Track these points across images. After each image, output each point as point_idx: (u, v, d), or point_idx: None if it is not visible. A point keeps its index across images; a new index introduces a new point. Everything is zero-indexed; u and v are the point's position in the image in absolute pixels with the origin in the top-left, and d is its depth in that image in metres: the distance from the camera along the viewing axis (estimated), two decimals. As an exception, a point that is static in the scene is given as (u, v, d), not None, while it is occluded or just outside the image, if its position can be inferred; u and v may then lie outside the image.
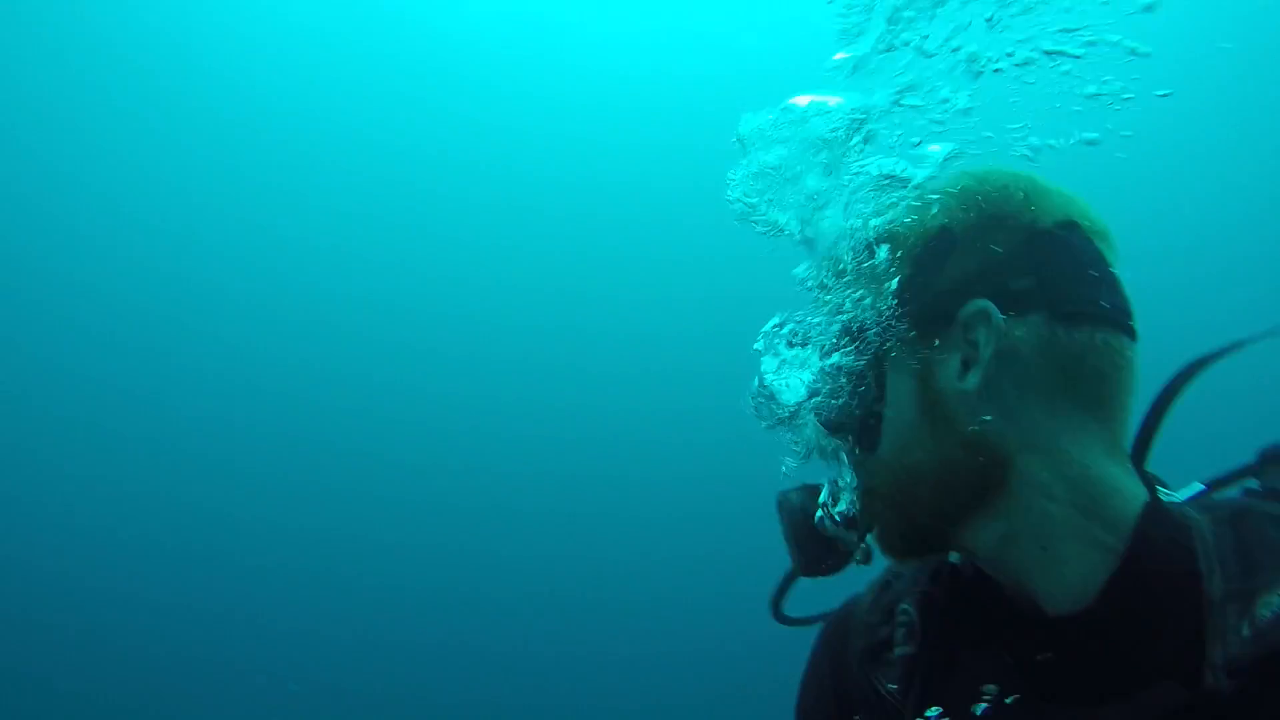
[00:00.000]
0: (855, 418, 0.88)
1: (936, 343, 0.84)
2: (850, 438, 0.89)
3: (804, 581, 1.01)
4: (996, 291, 0.82)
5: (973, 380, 0.81)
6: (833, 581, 0.97)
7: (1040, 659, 0.80)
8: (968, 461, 0.82)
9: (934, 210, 0.88)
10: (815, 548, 0.93)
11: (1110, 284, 0.84)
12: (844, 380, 0.89)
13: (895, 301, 0.87)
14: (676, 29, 14.89)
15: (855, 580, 1.01)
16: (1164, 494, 0.84)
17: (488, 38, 16.00)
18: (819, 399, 0.91)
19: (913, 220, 0.88)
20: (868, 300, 0.90)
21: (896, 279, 0.87)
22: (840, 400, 0.89)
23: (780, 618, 1.06)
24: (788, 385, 0.92)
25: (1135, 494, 0.80)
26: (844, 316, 0.90)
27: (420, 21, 16.07)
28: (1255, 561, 0.73)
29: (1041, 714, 0.79)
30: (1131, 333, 0.84)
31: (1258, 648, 0.69)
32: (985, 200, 0.86)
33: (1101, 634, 0.77)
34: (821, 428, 0.92)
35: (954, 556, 0.92)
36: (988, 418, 0.81)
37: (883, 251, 0.89)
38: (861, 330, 0.88)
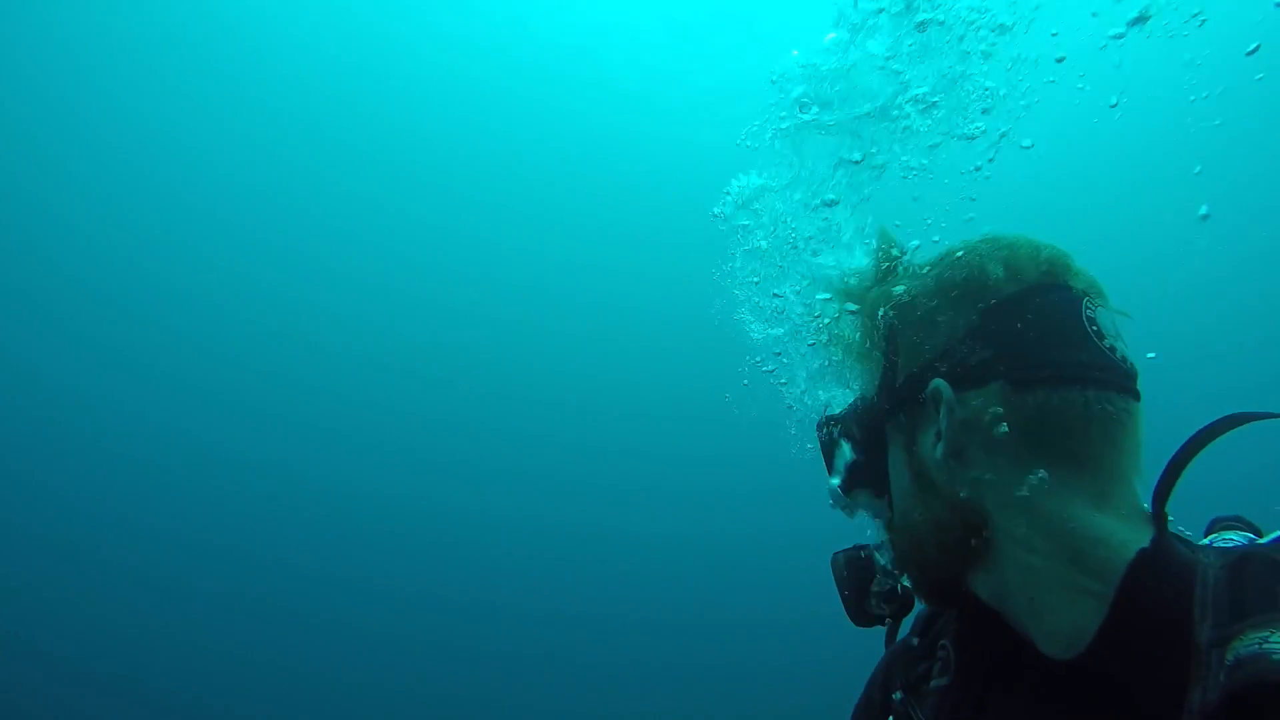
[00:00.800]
0: (874, 488, 1.01)
1: (915, 418, 0.93)
2: (875, 506, 1.02)
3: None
4: (956, 366, 0.89)
5: (940, 450, 0.88)
6: None
7: (1055, 698, 0.83)
8: (955, 521, 0.88)
9: (902, 295, 0.97)
10: (861, 603, 1.04)
11: (1082, 342, 0.87)
12: (861, 456, 1.01)
13: (879, 383, 0.98)
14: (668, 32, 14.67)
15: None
16: (1188, 540, 0.86)
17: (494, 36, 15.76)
18: (843, 477, 1.04)
19: (888, 307, 0.98)
20: (864, 384, 1.03)
21: (878, 362, 0.99)
22: (859, 474, 1.02)
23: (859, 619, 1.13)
24: (834, 472, 1.07)
25: (1127, 542, 0.81)
26: (853, 401, 1.05)
27: (422, 21, 15.95)
28: (1244, 605, 0.73)
29: None
30: (1112, 385, 0.86)
31: (1224, 690, 0.69)
32: (951, 280, 0.94)
33: (1095, 680, 0.79)
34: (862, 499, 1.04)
35: None
36: (964, 482, 0.88)
37: (858, 337, 1.03)
38: (866, 411, 1.00)
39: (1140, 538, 0.81)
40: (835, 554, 1.06)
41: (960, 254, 0.95)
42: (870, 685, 1.17)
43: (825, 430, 1.07)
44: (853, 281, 1.07)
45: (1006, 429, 0.85)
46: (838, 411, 1.07)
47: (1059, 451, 0.85)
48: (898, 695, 1.05)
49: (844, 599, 1.05)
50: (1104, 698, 0.79)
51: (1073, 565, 0.81)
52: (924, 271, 0.98)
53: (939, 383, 0.89)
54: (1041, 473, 0.84)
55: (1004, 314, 0.89)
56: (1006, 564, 0.86)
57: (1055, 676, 0.83)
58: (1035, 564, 0.83)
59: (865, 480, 1.02)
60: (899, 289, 0.98)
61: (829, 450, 1.06)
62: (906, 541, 0.95)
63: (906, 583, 1.03)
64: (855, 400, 1.04)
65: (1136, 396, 0.88)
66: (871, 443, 1.00)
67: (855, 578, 1.04)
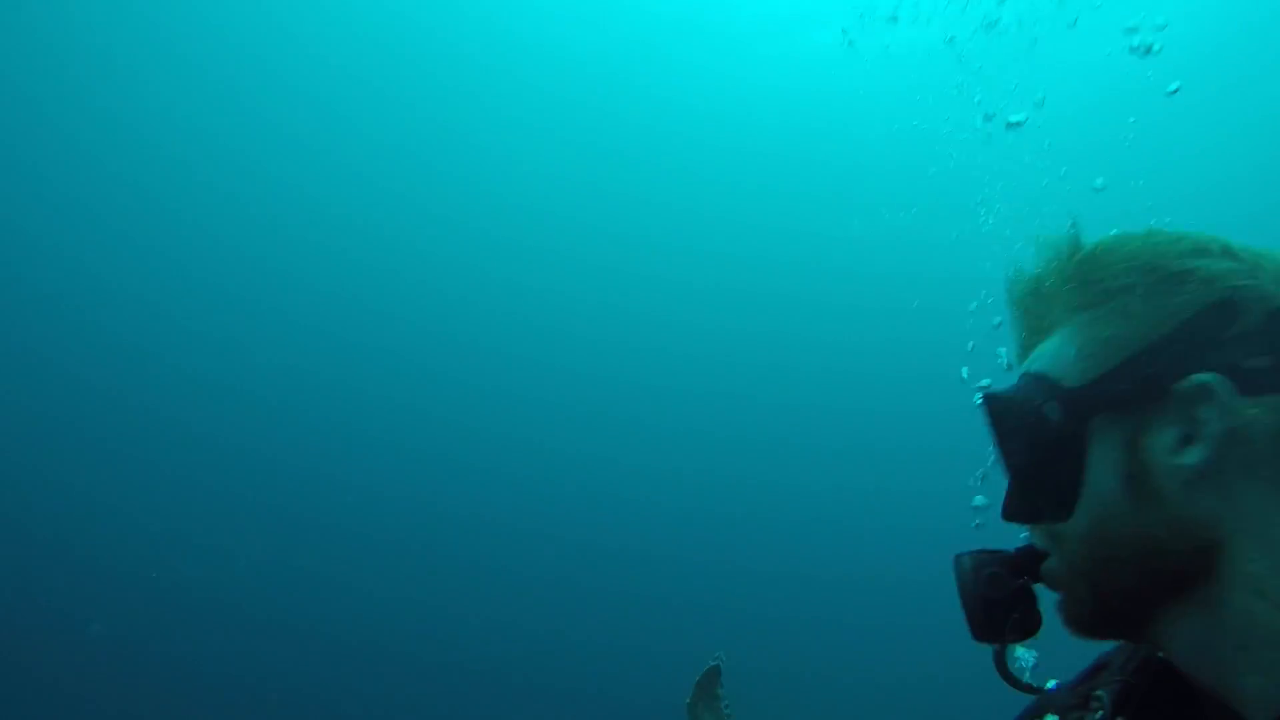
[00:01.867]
0: (1052, 482, 0.85)
1: (1148, 411, 0.79)
2: (1044, 503, 0.87)
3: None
4: (1228, 368, 0.77)
5: (1194, 456, 0.76)
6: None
7: None
8: (1172, 542, 0.77)
9: (1172, 272, 0.83)
10: (985, 615, 0.90)
11: None
12: (1042, 447, 0.85)
13: (1103, 363, 0.82)
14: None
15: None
16: None
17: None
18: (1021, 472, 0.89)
19: (1149, 278, 0.83)
20: (1062, 361, 0.86)
21: (1117, 334, 0.83)
22: (1037, 468, 0.86)
23: (1008, 679, 0.99)
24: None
25: None
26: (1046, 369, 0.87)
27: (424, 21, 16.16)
28: None
29: None
30: None
31: None
32: (1229, 275, 0.81)
33: None
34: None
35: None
36: (1205, 500, 0.76)
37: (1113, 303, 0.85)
38: (1073, 391, 0.83)
39: None
40: (959, 556, 0.93)
41: (1239, 251, 0.83)
42: None
43: (1002, 410, 0.88)
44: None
45: (1277, 448, 0.75)
46: (1010, 387, 0.90)
47: None
48: None
49: (969, 610, 0.91)
50: None
51: None
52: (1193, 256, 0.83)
53: (1212, 378, 0.76)
54: None
55: None
56: (1219, 604, 0.75)
57: None
58: (1259, 612, 0.73)
59: (1043, 478, 0.85)
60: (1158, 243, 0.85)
61: (1007, 436, 0.88)
62: (1089, 557, 0.82)
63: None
64: (1034, 379, 0.87)
65: None
66: (1068, 432, 0.83)
67: (989, 587, 0.90)
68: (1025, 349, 0.92)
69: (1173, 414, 0.77)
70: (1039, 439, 0.85)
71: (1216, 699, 0.77)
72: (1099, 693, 0.89)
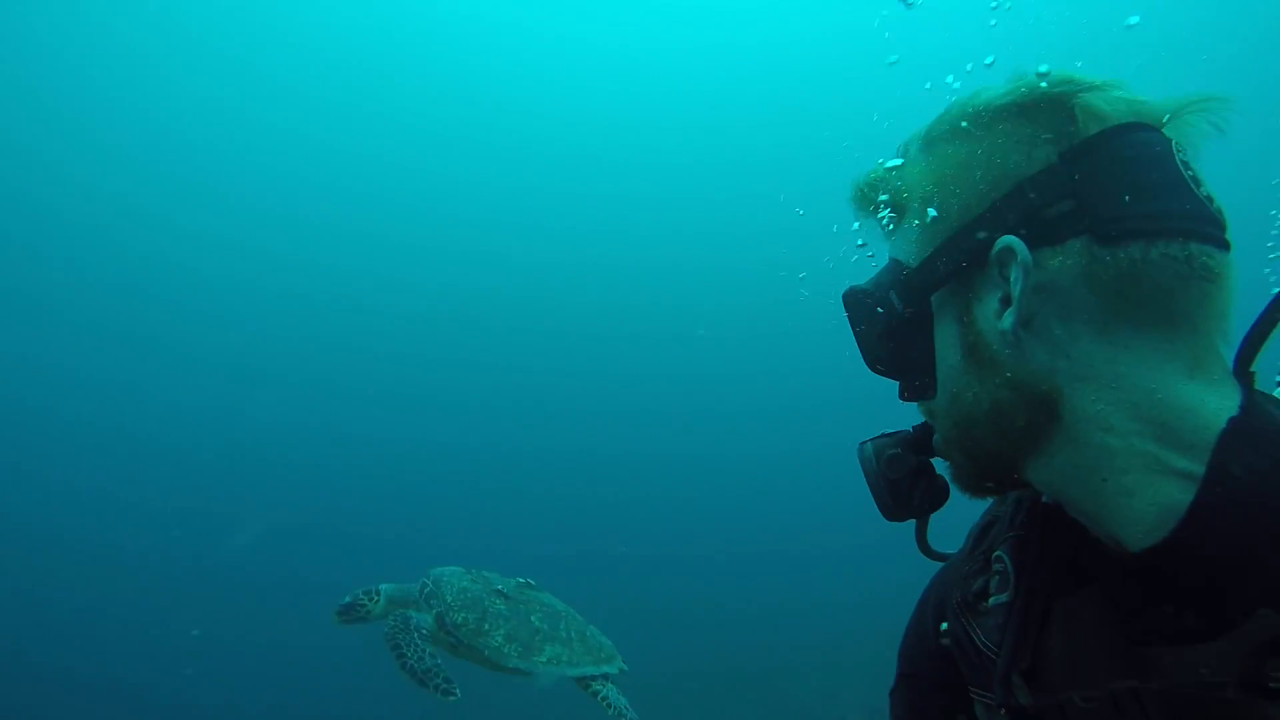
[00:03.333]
0: (911, 364, 0.87)
1: (974, 284, 0.81)
2: (911, 384, 0.89)
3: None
4: (1029, 220, 0.77)
5: (1008, 320, 0.77)
6: None
7: (1129, 600, 0.75)
8: (1017, 401, 0.78)
9: (963, 138, 0.84)
10: (890, 495, 0.92)
11: (1178, 189, 0.76)
12: (898, 332, 0.87)
13: (924, 241, 0.84)
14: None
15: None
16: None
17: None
18: (881, 358, 0.91)
19: (943, 152, 0.85)
20: (902, 245, 0.88)
21: (926, 218, 0.84)
22: (896, 352, 0.89)
23: (927, 551, 1.03)
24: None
25: (1219, 410, 0.73)
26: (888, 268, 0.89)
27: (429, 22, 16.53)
28: None
29: (1137, 659, 0.73)
30: (1210, 238, 0.76)
31: None
32: (1020, 117, 0.81)
33: (1187, 566, 0.71)
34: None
35: (1045, 496, 0.89)
36: (1033, 355, 0.77)
37: (900, 184, 0.88)
38: (909, 277, 0.85)
39: (1230, 404, 0.74)
40: (863, 443, 0.95)
41: (1024, 90, 0.81)
42: (922, 606, 1.07)
43: (856, 302, 0.91)
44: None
45: (1090, 292, 0.75)
46: (865, 282, 0.91)
47: (1152, 315, 0.75)
48: (944, 625, 0.97)
49: (876, 492, 0.93)
50: (1187, 588, 0.71)
51: (1159, 441, 0.73)
52: (982, 109, 0.83)
53: (1010, 240, 0.77)
54: (1129, 340, 0.75)
55: (1088, 157, 0.77)
56: (1076, 446, 0.77)
57: (1129, 571, 0.75)
58: (1112, 444, 0.75)
59: (905, 360, 0.88)
60: (956, 123, 0.85)
61: (862, 327, 0.91)
62: (954, 427, 0.84)
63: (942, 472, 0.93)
64: (889, 266, 0.90)
65: (1228, 248, 0.77)
66: (913, 316, 0.85)
67: (889, 468, 0.92)
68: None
69: (993, 281, 0.79)
70: (888, 327, 0.87)
71: (1094, 526, 0.79)
72: (997, 552, 0.90)
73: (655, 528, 15.90)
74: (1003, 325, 0.78)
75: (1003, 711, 0.84)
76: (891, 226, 0.91)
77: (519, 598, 3.91)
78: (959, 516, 1.02)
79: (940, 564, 1.05)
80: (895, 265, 0.88)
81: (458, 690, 3.53)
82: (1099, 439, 0.75)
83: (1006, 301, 0.78)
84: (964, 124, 0.84)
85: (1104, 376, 0.75)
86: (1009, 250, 0.77)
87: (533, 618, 3.84)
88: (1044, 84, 0.81)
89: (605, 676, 3.86)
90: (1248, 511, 0.68)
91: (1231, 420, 0.72)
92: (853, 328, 0.92)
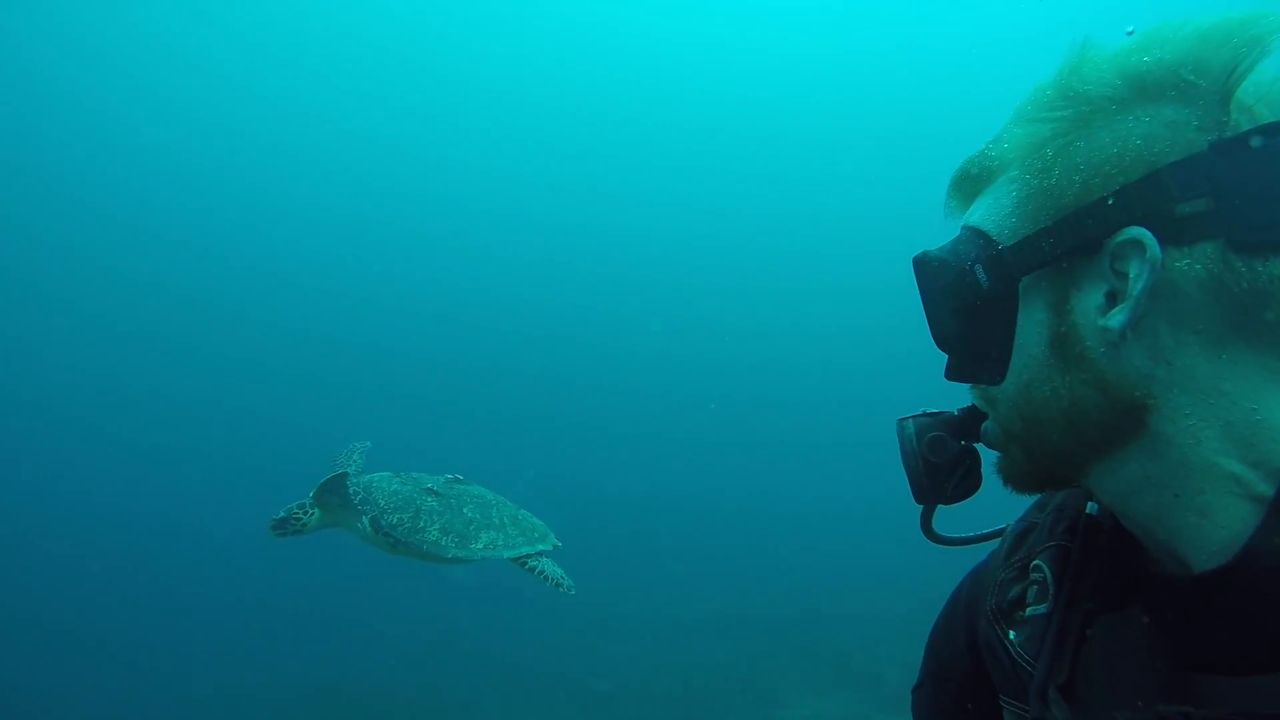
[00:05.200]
0: (984, 345, 0.80)
1: (1076, 271, 0.74)
2: (977, 366, 0.83)
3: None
4: (1158, 214, 0.70)
5: (1117, 318, 0.71)
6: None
7: (1181, 622, 0.72)
8: (1099, 403, 0.73)
9: (1090, 109, 0.76)
10: (929, 478, 0.88)
11: None
12: (976, 309, 0.80)
13: (1032, 220, 0.76)
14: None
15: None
16: None
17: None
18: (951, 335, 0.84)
19: (1059, 118, 0.77)
20: (993, 217, 0.80)
21: (1028, 190, 0.77)
22: (969, 331, 0.81)
23: (932, 536, 0.98)
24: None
25: None
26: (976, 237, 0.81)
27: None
28: None
29: (1185, 684, 0.70)
30: None
31: None
32: (1166, 96, 0.72)
33: (1249, 592, 0.68)
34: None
35: (1091, 506, 0.86)
36: (1129, 357, 0.72)
37: (1022, 159, 0.79)
38: (1002, 253, 0.78)
39: None
40: (902, 420, 0.90)
41: (1174, 63, 0.72)
42: (953, 606, 1.04)
43: (929, 272, 0.83)
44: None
45: (1211, 301, 0.70)
46: (939, 249, 0.83)
47: (1271, 334, 0.70)
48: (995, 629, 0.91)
49: (912, 473, 0.88)
50: (1247, 615, 0.68)
51: (1247, 464, 0.69)
52: (1120, 76, 0.75)
53: (1140, 233, 0.70)
54: (1239, 355, 0.70)
55: (1241, 154, 0.68)
56: (1153, 458, 0.72)
57: (1181, 592, 0.72)
58: (1195, 461, 0.71)
59: (977, 341, 0.81)
60: (1080, 90, 0.76)
61: (934, 300, 0.84)
62: (1019, 419, 0.79)
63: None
64: (968, 237, 0.81)
65: None
66: (997, 295, 0.78)
67: (931, 450, 0.88)
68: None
69: (1101, 272, 0.73)
70: (968, 304, 0.80)
71: (1159, 553, 0.76)
72: (1036, 561, 0.87)
73: (716, 473, 16.61)
74: (1108, 322, 0.72)
75: None
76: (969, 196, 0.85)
77: (449, 493, 4.04)
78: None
79: (940, 547, 1.00)
80: (977, 236, 0.80)
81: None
82: (1181, 454, 0.71)
83: (1112, 297, 0.72)
84: (1091, 91, 0.76)
85: (1205, 390, 0.71)
86: (1136, 244, 0.70)
87: (465, 509, 3.97)
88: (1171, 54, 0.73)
89: (540, 554, 4.03)
90: None
91: None
92: (922, 299, 0.85)
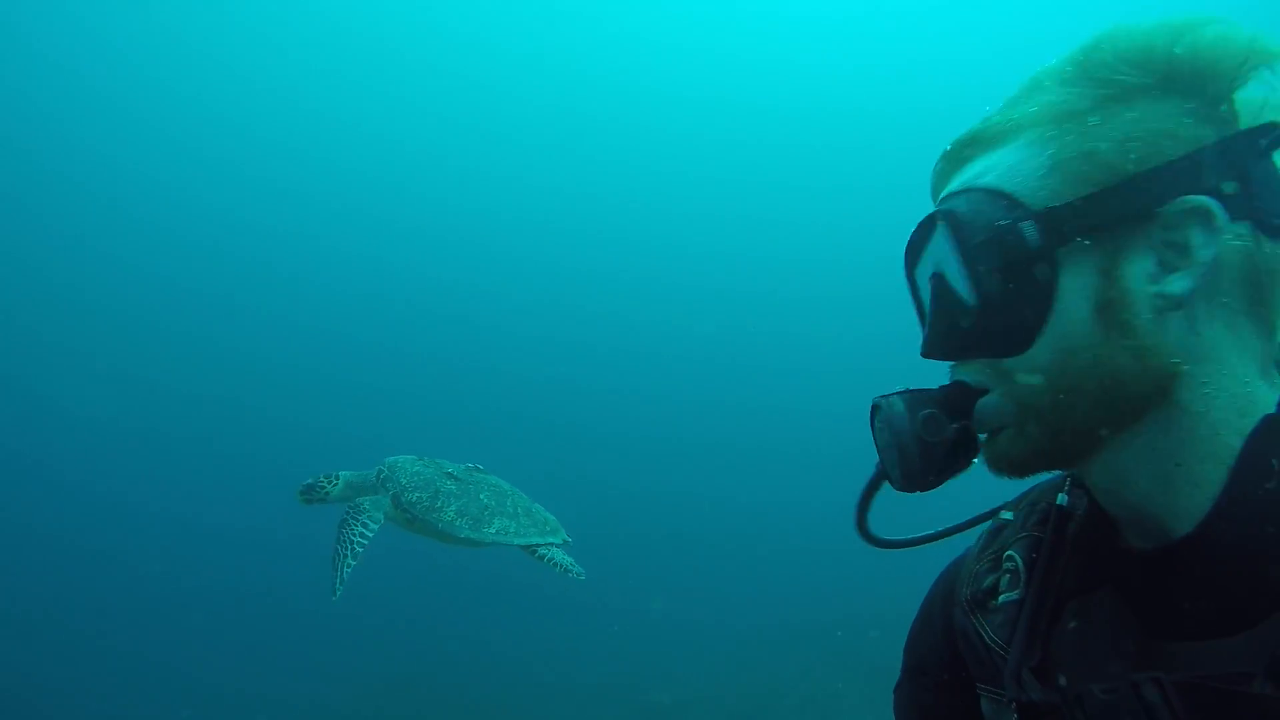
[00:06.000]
0: (1016, 311, 0.76)
1: (1124, 238, 0.74)
2: (1001, 335, 0.77)
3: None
4: (1209, 190, 0.72)
5: (1178, 284, 0.72)
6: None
7: (1150, 592, 0.75)
8: (1137, 372, 0.73)
9: (1132, 83, 0.76)
10: (923, 461, 0.80)
11: None
12: (1012, 270, 0.75)
13: (1081, 182, 0.75)
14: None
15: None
16: None
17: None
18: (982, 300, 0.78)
19: (1106, 84, 0.77)
20: (1021, 177, 0.78)
21: (1072, 153, 0.76)
22: (1001, 294, 0.76)
23: (869, 538, 0.94)
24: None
25: (1269, 407, 0.73)
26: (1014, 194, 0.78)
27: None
28: None
29: (1156, 652, 0.72)
30: None
31: None
32: (1209, 77, 0.75)
33: (1214, 558, 0.71)
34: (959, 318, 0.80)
35: (1061, 498, 0.87)
36: (1170, 327, 0.73)
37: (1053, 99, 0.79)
38: (1055, 214, 0.75)
39: (1271, 404, 0.74)
40: (886, 397, 0.83)
41: (1226, 44, 0.75)
42: (929, 603, 1.04)
43: (963, 230, 0.78)
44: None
45: (1238, 277, 0.74)
46: (962, 207, 0.79)
47: (1269, 313, 0.75)
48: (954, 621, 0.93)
49: (905, 455, 0.80)
50: (1213, 581, 0.71)
51: (1238, 434, 0.72)
52: (1166, 51, 0.76)
53: (1208, 201, 0.71)
54: (1243, 330, 0.75)
55: (1253, 149, 0.73)
56: (1164, 430, 0.74)
57: (1149, 563, 0.75)
58: (1201, 432, 0.73)
59: (1009, 306, 0.76)
60: (1116, 62, 0.77)
61: (972, 261, 0.77)
62: (1050, 390, 0.75)
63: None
64: (988, 196, 0.78)
65: None
66: (1045, 255, 0.75)
67: (925, 429, 0.80)
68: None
69: (1150, 239, 0.73)
70: (1014, 262, 0.75)
71: (1139, 519, 0.77)
72: (1009, 552, 0.88)
73: (747, 477, 16.70)
74: (1170, 289, 0.72)
75: (1012, 707, 0.80)
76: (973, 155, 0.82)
77: (468, 479, 4.26)
78: (894, 502, 0.92)
79: (879, 549, 0.97)
80: (998, 197, 0.77)
81: (339, 594, 3.81)
82: (1191, 423, 0.73)
83: (1166, 265, 0.73)
84: (1132, 66, 0.77)
85: (1220, 362, 0.74)
86: (1199, 213, 0.72)
87: (481, 495, 4.18)
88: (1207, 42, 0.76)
89: (550, 545, 4.22)
90: (1266, 507, 0.68)
91: (1265, 418, 0.72)
92: (960, 258, 0.79)
